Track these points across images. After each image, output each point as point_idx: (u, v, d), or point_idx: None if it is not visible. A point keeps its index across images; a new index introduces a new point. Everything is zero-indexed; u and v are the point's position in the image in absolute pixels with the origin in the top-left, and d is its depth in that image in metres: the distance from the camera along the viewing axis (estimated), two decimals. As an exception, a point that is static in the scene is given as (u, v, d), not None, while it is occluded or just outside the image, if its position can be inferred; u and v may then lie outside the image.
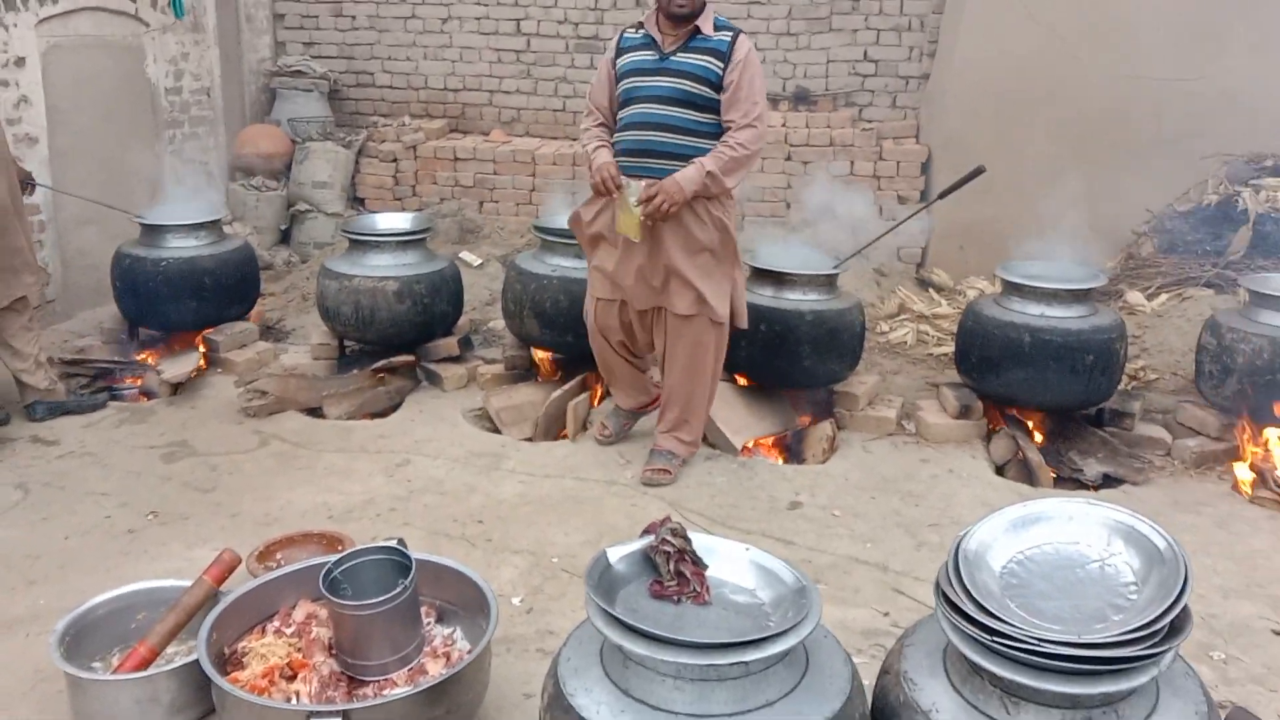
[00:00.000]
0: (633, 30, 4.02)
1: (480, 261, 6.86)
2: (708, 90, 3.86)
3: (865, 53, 7.19)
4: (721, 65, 3.84)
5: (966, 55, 6.45)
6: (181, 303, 5.33)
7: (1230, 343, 4.41)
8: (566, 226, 4.38)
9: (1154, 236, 6.17)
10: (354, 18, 8.01)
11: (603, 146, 3.99)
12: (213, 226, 5.52)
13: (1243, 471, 4.33)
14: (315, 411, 4.88)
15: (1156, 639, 1.92)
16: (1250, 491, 4.24)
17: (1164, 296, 5.75)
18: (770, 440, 4.67)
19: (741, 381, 4.86)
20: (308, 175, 7.45)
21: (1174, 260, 6.01)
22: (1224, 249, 5.85)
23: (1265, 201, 5.75)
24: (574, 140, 7.64)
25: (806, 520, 3.93)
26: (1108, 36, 6.21)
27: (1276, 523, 4.01)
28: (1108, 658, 1.88)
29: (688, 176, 3.80)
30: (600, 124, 4.06)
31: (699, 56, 3.86)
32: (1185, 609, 1.98)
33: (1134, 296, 5.79)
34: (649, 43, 3.94)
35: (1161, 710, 1.99)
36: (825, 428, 4.65)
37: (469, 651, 2.58)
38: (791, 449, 4.68)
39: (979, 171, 4.31)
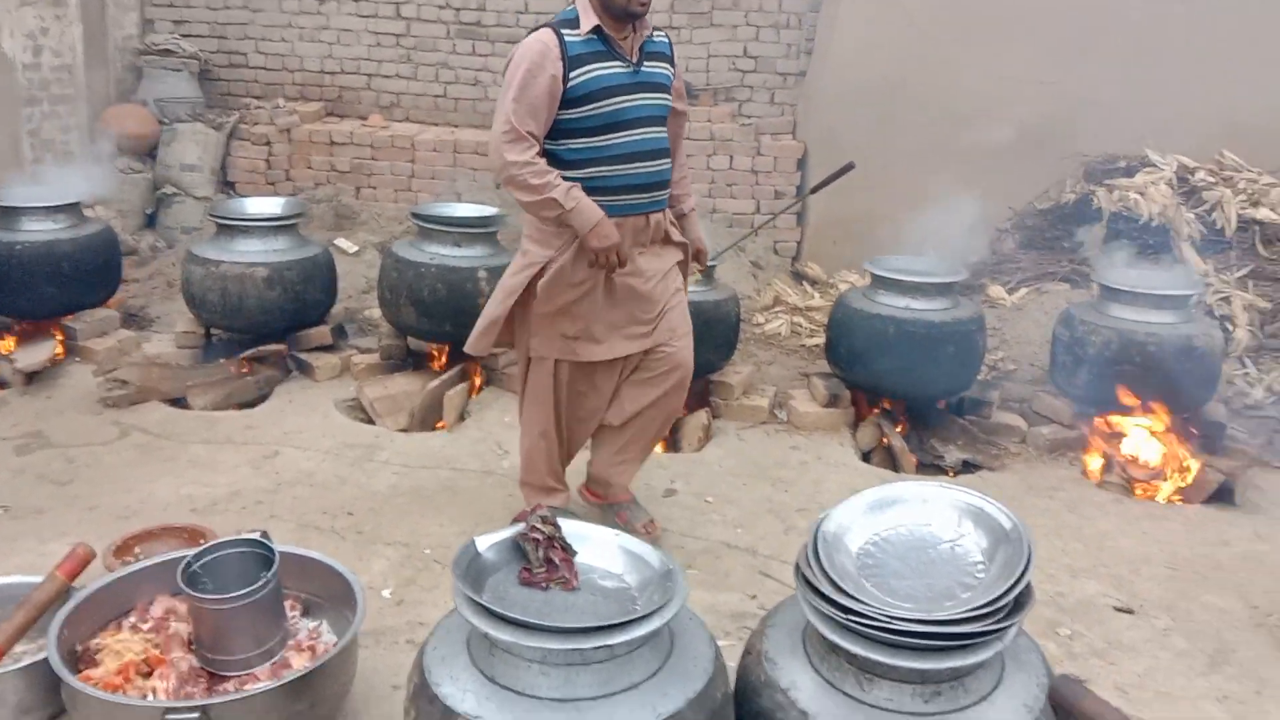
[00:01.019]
0: (572, 33, 3.13)
1: (356, 249, 6.73)
2: (668, 102, 3.36)
3: (745, 48, 7.29)
4: (670, 70, 3.34)
5: (842, 53, 6.61)
6: (37, 288, 5.07)
7: (1082, 334, 4.64)
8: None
9: (1016, 233, 6.45)
10: (226, -5, 7.75)
11: (579, 193, 3.12)
12: (72, 209, 5.27)
13: (1092, 458, 4.57)
14: (179, 402, 4.73)
15: (1001, 615, 2.02)
16: (1099, 476, 4.48)
17: (1024, 290, 6.01)
18: (647, 429, 4.71)
19: (620, 371, 4.89)
20: (175, 157, 7.19)
21: (1034, 256, 6.28)
22: (1079, 245, 6.13)
23: (1118, 201, 6.05)
24: (454, 127, 7.56)
25: (681, 507, 3.99)
26: (977, 37, 6.45)
27: (1122, 506, 4.24)
28: (955, 634, 1.97)
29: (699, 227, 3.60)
30: (539, 154, 3.13)
31: (659, 64, 3.29)
32: (1028, 586, 2.08)
33: (995, 290, 6.04)
34: (609, 51, 3.16)
35: (1006, 683, 2.10)
36: (701, 416, 4.72)
37: (334, 644, 2.54)
38: (668, 437, 4.73)
39: (849, 168, 4.42)
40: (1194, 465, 4.39)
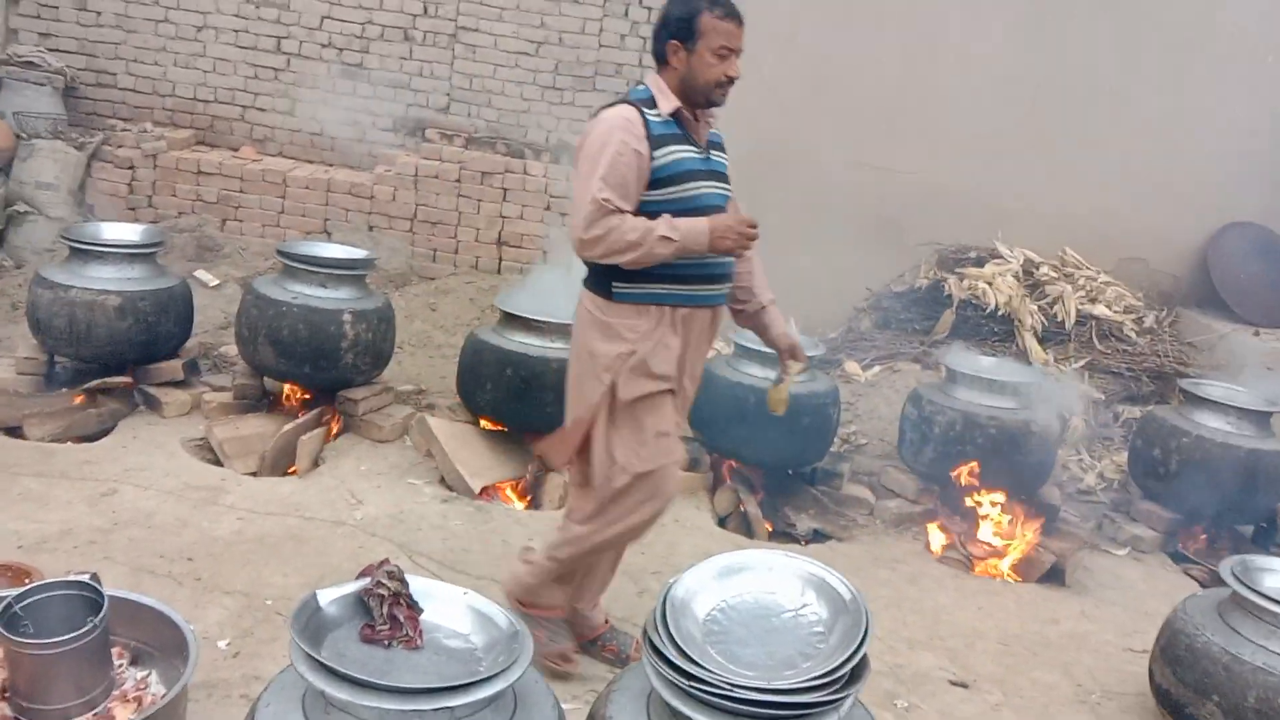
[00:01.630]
0: (652, 113, 2.97)
1: (217, 282, 6.53)
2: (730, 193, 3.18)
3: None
4: (727, 160, 3.22)
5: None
6: None
7: (929, 414, 4.85)
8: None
9: (872, 312, 6.72)
10: (99, 13, 7.49)
11: (673, 220, 2.90)
12: (-93, 220, 4.99)
13: (934, 533, 4.75)
14: (15, 431, 4.49)
15: (839, 685, 2.08)
16: (939, 551, 4.66)
17: (877, 368, 6.26)
18: (509, 484, 4.70)
19: (485, 425, 4.87)
20: (31, 174, 6.87)
21: (888, 335, 6.55)
22: (931, 329, 6.43)
23: (967, 289, 6.39)
24: (329, 166, 7.46)
25: (535, 566, 3.96)
26: (840, 124, 6.74)
27: (960, 581, 4.42)
28: (794, 703, 2.01)
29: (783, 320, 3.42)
30: None
31: (720, 154, 3.17)
32: (864, 658, 2.15)
33: (851, 366, 6.27)
34: (685, 135, 3.02)
35: (840, 753, 2.15)
36: (562, 475, 4.72)
37: (162, 695, 2.43)
38: (530, 493, 4.72)
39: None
40: (1029, 536, 4.61)
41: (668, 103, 2.98)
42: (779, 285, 5.18)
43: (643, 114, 2.94)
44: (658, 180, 2.94)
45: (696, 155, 3.02)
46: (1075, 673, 3.75)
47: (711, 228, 2.90)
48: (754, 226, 2.96)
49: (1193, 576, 4.78)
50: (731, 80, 2.99)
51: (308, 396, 5.00)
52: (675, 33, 2.96)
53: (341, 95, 7.52)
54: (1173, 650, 3.30)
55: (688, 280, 3.00)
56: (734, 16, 2.96)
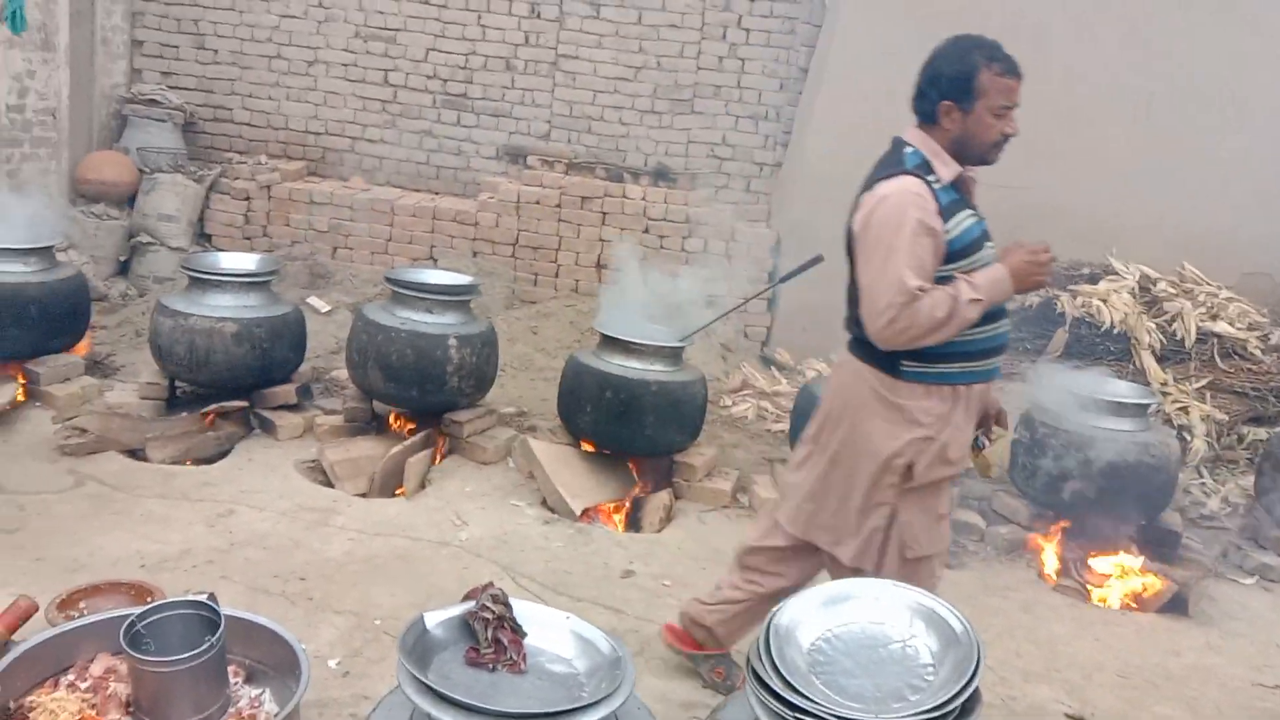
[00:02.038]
0: (931, 178, 2.75)
1: (329, 308, 6.73)
2: None
3: (724, 137, 7.45)
4: None
5: (815, 148, 6.76)
6: (3, 330, 5.02)
7: (1041, 436, 4.70)
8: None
9: (980, 331, 6.54)
10: (216, 51, 7.84)
11: (971, 279, 2.71)
12: (44, 252, 5.25)
13: (1049, 560, 4.59)
14: (138, 454, 4.67)
15: (949, 719, 2.02)
16: (1055, 579, 4.50)
17: (987, 388, 6.09)
18: (609, 507, 4.71)
19: (586, 447, 4.90)
20: (154, 207, 7.20)
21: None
22: (1044, 348, 6.24)
23: (1080, 306, 6.18)
24: (435, 194, 7.64)
25: (638, 589, 3.96)
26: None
27: (1077, 610, 4.26)
28: (901, 736, 1.96)
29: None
30: None
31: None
32: (976, 691, 2.09)
33: (960, 387, 6.11)
34: (964, 200, 2.82)
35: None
36: (663, 497, 4.72)
37: (276, 714, 2.49)
38: (630, 516, 4.72)
39: (818, 260, 4.48)
40: (1154, 580, 4.40)
41: (948, 169, 2.78)
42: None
43: (929, 184, 2.73)
44: (951, 254, 2.73)
45: (977, 220, 2.82)
46: (1200, 708, 3.57)
47: (1011, 271, 2.73)
48: (1047, 250, 2.78)
49: (1328, 608, 4.52)
50: (1008, 138, 2.81)
51: (412, 425, 5.10)
52: (949, 92, 2.76)
53: (445, 124, 7.70)
54: (1309, 687, 3.12)
55: (977, 356, 2.81)
56: (1014, 72, 2.77)
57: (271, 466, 4.69)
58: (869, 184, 2.80)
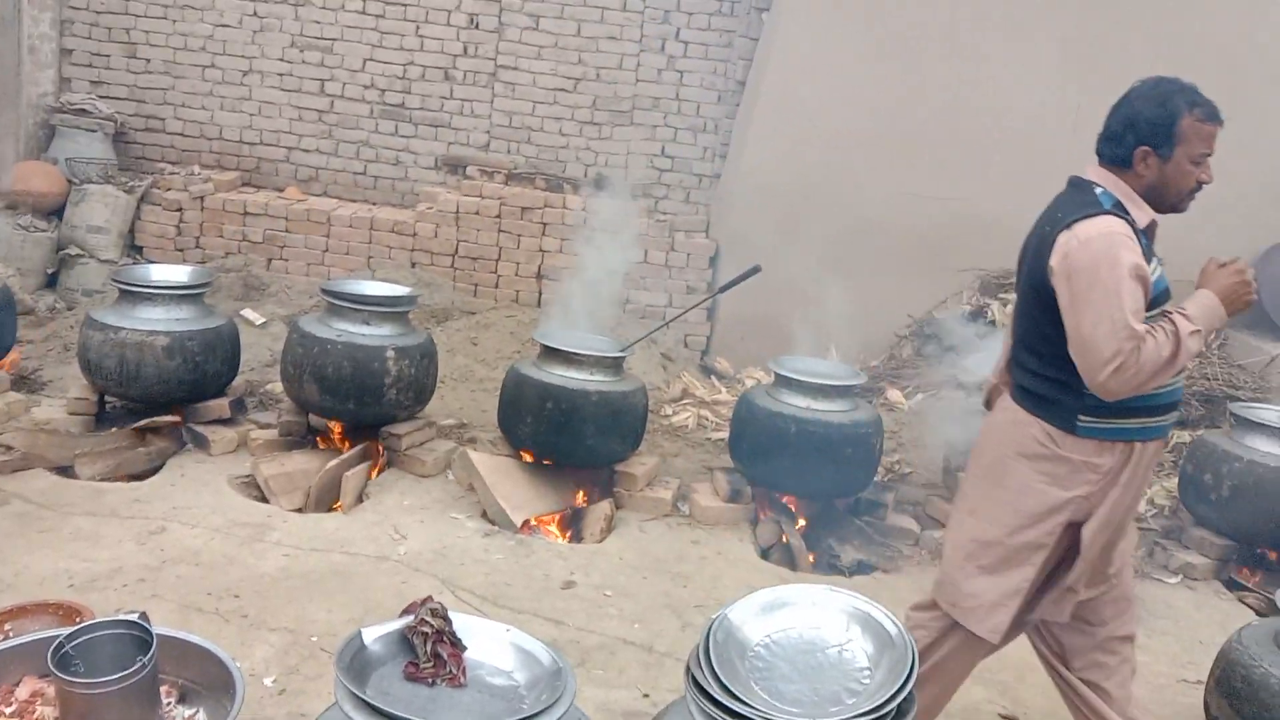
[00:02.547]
0: (1128, 219, 2.61)
1: (263, 320, 6.64)
2: None
3: (663, 148, 7.51)
4: None
5: (753, 159, 6.84)
6: (-79, 345, 4.90)
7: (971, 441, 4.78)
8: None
9: (914, 340, 6.66)
10: (148, 60, 7.70)
11: (1185, 310, 2.59)
12: (-36, 265, 5.13)
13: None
14: (66, 471, 4.57)
15: (884, 722, 2.06)
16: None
17: (920, 395, 6.20)
18: (550, 518, 4.70)
19: (526, 458, 4.89)
20: (83, 218, 7.05)
21: (931, 362, 6.49)
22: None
23: (1010, 314, 6.31)
24: (372, 205, 7.57)
25: (579, 600, 3.96)
26: (880, 152, 6.73)
27: (1008, 611, 4.33)
28: (838, 740, 1.99)
29: None
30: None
31: None
32: (910, 694, 2.13)
33: (894, 394, 6.22)
34: (1151, 247, 2.69)
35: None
36: (604, 507, 4.72)
37: (210, 734, 2.45)
38: (571, 527, 4.72)
39: (755, 270, 4.56)
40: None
41: (1143, 214, 2.66)
42: (821, 313, 5.21)
43: (1130, 223, 2.58)
44: (1154, 300, 2.58)
45: (1165, 274, 2.67)
46: (1131, 706, 3.66)
47: (1220, 294, 2.60)
48: (1248, 265, 2.66)
49: (1248, 604, 4.67)
50: (1202, 186, 2.67)
51: (349, 438, 5.04)
52: (1148, 138, 2.62)
53: (384, 135, 7.65)
54: (1229, 682, 3.21)
55: (1158, 411, 2.66)
56: (1215, 118, 2.63)
57: (204, 482, 4.61)
58: (1062, 223, 2.61)
